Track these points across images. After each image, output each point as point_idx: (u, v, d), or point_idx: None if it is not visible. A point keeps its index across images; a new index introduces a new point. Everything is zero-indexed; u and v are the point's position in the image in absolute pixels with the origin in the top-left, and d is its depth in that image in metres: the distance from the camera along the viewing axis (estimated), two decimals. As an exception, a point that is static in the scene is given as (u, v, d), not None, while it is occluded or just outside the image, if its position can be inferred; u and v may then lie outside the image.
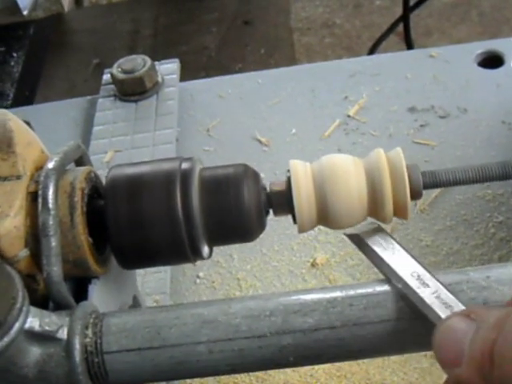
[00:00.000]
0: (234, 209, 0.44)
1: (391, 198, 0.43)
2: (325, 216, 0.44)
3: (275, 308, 0.39)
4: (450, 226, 0.70)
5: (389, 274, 0.41)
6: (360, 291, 0.39)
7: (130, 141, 0.80)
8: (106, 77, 0.87)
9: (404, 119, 0.81)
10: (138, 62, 0.83)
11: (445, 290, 0.38)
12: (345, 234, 0.46)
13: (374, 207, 0.44)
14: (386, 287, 0.40)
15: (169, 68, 0.88)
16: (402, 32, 2.20)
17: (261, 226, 0.45)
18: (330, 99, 0.85)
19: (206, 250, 0.45)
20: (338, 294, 0.40)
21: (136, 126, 0.81)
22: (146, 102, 0.84)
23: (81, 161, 0.49)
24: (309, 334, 0.39)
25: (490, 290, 0.39)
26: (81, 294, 0.46)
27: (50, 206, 0.42)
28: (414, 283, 0.39)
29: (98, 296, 0.46)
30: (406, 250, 0.42)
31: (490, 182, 0.54)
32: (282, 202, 0.45)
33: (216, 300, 0.41)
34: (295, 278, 0.69)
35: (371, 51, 1.35)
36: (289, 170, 0.45)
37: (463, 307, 0.37)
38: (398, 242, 0.43)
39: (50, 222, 0.42)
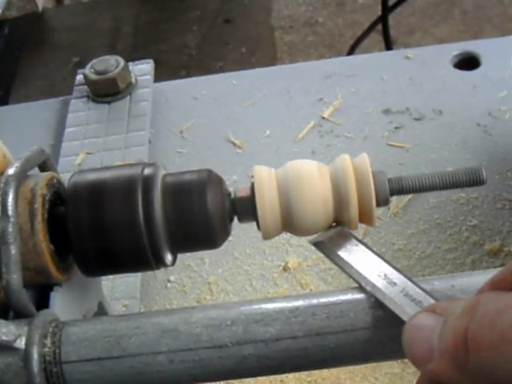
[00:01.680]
0: (197, 216, 0.43)
1: (356, 204, 0.43)
2: (289, 223, 0.44)
3: (236, 317, 0.39)
4: (423, 230, 0.70)
5: (356, 278, 0.40)
6: (323, 300, 0.39)
7: (102, 143, 0.79)
8: (79, 77, 0.86)
9: (379, 121, 0.81)
10: (111, 63, 0.82)
11: (412, 285, 0.38)
12: (310, 242, 0.45)
13: (340, 213, 0.44)
14: (349, 296, 0.39)
15: (143, 69, 0.87)
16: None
17: (225, 233, 0.45)
18: (305, 100, 0.85)
19: (169, 257, 0.44)
20: (300, 303, 0.39)
21: (108, 128, 0.81)
22: (118, 104, 0.83)
23: (44, 166, 0.48)
24: (270, 343, 0.38)
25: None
26: (43, 301, 0.45)
27: (10, 213, 0.41)
28: (381, 283, 0.39)
29: (61, 304, 0.45)
30: (372, 250, 0.42)
31: (462, 187, 0.54)
32: (247, 208, 0.44)
33: (177, 309, 0.40)
34: (267, 282, 0.68)
35: (351, 51, 1.34)
36: (253, 176, 0.44)
37: (433, 300, 0.37)
38: (363, 243, 0.43)
39: (10, 230, 0.41)
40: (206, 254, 0.70)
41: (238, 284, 0.68)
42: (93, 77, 0.82)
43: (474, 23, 2.72)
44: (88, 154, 0.78)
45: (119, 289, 0.65)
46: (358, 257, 0.42)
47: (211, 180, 0.44)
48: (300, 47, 2.84)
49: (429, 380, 0.33)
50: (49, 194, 0.44)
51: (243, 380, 0.60)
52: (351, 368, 0.61)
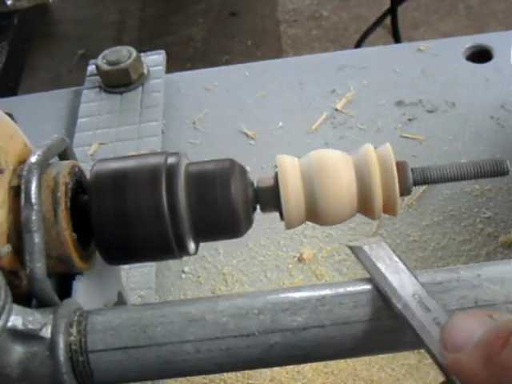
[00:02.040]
0: (221, 205, 0.43)
1: (381, 195, 0.43)
2: (313, 213, 0.44)
3: (263, 306, 0.39)
4: (437, 222, 0.70)
5: (389, 293, 0.39)
6: (349, 289, 0.39)
7: (114, 133, 0.79)
8: (91, 68, 0.86)
9: (392, 113, 0.81)
10: (124, 54, 0.82)
11: (446, 316, 0.36)
12: (348, 246, 0.44)
13: (363, 203, 0.44)
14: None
15: (154, 59, 0.87)
16: (389, 25, 2.19)
17: (248, 223, 0.45)
18: (318, 92, 0.85)
19: (192, 245, 0.44)
20: (327, 291, 0.39)
21: (121, 118, 0.80)
22: (131, 94, 0.83)
23: (65, 155, 0.48)
24: (297, 332, 0.38)
25: (480, 289, 0.38)
26: (64, 290, 0.45)
27: (33, 201, 0.41)
28: (414, 305, 0.37)
29: (83, 293, 0.45)
30: (410, 270, 0.40)
31: (479, 178, 0.54)
32: (270, 198, 0.44)
33: (203, 298, 0.40)
34: (282, 273, 0.68)
35: (358, 44, 1.34)
36: (276, 166, 0.44)
37: None
38: (402, 261, 0.41)
39: (33, 218, 0.41)
40: (220, 245, 0.70)
41: (253, 275, 0.68)
42: (105, 67, 0.82)
43: (478, 18, 2.72)
44: (101, 144, 0.78)
45: (134, 279, 0.65)
46: (395, 272, 0.40)
47: (234, 169, 0.44)
48: (304, 41, 2.84)
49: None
50: (71, 182, 0.44)
51: (259, 371, 0.60)
52: (367, 359, 0.61)
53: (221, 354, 0.38)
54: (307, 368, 0.60)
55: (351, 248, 0.43)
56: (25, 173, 0.42)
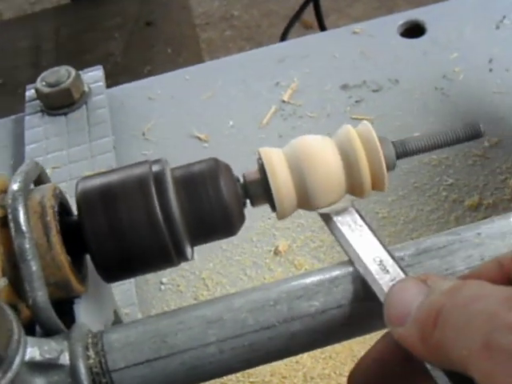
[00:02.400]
0: (215, 205, 0.43)
1: (368, 172, 0.43)
2: (305, 199, 0.44)
3: (278, 296, 0.39)
4: (402, 196, 0.71)
5: (352, 257, 0.40)
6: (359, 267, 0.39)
7: (66, 155, 0.77)
8: (30, 93, 0.84)
9: (338, 97, 0.82)
10: (62, 74, 0.81)
11: (403, 276, 0.38)
12: (318, 213, 0.45)
13: (352, 183, 0.44)
14: (383, 259, 0.40)
15: (93, 76, 0.86)
16: (305, 21, 2.22)
17: (241, 219, 0.45)
18: (262, 86, 0.85)
19: (189, 250, 0.44)
20: (337, 272, 0.39)
21: (70, 140, 0.79)
22: (75, 114, 0.82)
23: (40, 179, 0.47)
24: (317, 316, 0.38)
25: (484, 246, 0.39)
26: (61, 316, 0.44)
27: (24, 228, 0.40)
28: (374, 268, 0.39)
29: (84, 315, 0.44)
30: (375, 233, 0.42)
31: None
32: (259, 191, 0.44)
33: (215, 298, 0.40)
34: (260, 268, 0.68)
35: (283, 38, 1.35)
36: (260, 158, 0.44)
37: None
38: (367, 224, 0.43)
39: (27, 246, 0.40)
40: (194, 250, 0.69)
41: (232, 275, 0.68)
42: (45, 90, 0.80)
43: (386, -1, 2.78)
44: (54, 168, 0.76)
45: (116, 297, 0.63)
46: (359, 237, 0.42)
47: (220, 168, 0.44)
48: (219, 43, 2.84)
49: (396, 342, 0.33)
50: (56, 205, 0.43)
51: (259, 367, 0.60)
52: (361, 339, 0.61)
53: (244, 351, 0.38)
54: (305, 357, 0.61)
55: (321, 215, 0.44)
56: (10, 201, 0.41)
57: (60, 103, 0.81)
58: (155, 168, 0.43)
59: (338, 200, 0.45)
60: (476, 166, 0.72)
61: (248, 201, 0.45)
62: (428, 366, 0.32)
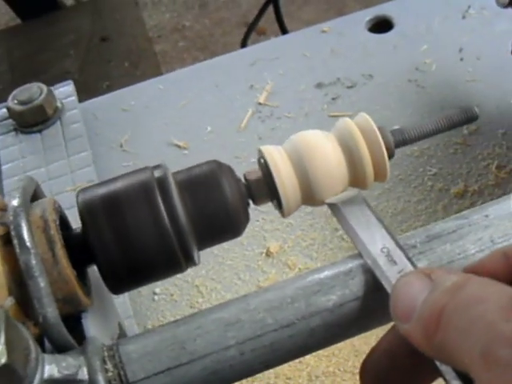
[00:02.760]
0: (220, 206, 0.42)
1: (371, 164, 0.43)
2: (309, 195, 0.44)
3: (295, 293, 0.38)
4: (388, 189, 0.72)
5: (360, 248, 0.40)
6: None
7: (45, 172, 0.76)
8: (1, 112, 0.82)
9: (314, 96, 0.82)
10: (35, 91, 0.79)
11: (411, 268, 0.38)
12: (326, 203, 0.45)
13: (355, 175, 0.44)
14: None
15: (65, 91, 0.84)
16: (260, 29, 2.22)
17: (246, 219, 0.44)
18: (237, 90, 0.85)
19: (197, 254, 0.43)
20: (350, 265, 0.39)
21: (47, 156, 0.77)
22: (50, 131, 0.80)
23: (34, 194, 0.46)
24: (336, 310, 0.38)
25: (493, 228, 0.40)
26: (69, 332, 0.43)
27: (28, 244, 0.39)
28: (382, 260, 0.38)
29: (93, 329, 0.43)
30: (382, 223, 0.41)
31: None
32: (263, 189, 0.44)
33: (230, 301, 0.39)
34: (253, 271, 0.68)
35: (243, 43, 1.35)
36: (261, 157, 0.44)
37: None
38: (375, 214, 0.42)
39: (33, 262, 0.39)
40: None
41: (226, 280, 0.68)
42: (18, 108, 0.79)
43: (334, 0, 2.81)
44: (34, 186, 0.75)
45: (111, 312, 0.63)
46: (367, 228, 0.41)
47: (222, 169, 0.43)
48: (173, 54, 2.84)
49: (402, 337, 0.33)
50: (57, 219, 0.42)
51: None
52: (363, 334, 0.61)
53: (265, 351, 0.38)
54: (308, 356, 0.60)
55: (328, 205, 0.44)
56: (11, 218, 0.40)
57: (34, 120, 0.80)
58: (157, 174, 0.43)
59: (341, 192, 0.45)
60: (458, 154, 0.73)
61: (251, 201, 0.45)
62: (436, 362, 0.32)
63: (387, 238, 0.40)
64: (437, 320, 0.30)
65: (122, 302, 0.64)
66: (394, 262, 0.38)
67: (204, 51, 2.78)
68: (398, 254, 0.39)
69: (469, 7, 0.88)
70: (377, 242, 0.40)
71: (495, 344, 0.27)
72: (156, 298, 0.67)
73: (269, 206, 0.45)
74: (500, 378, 0.26)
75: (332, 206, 0.44)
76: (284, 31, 1.27)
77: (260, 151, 0.44)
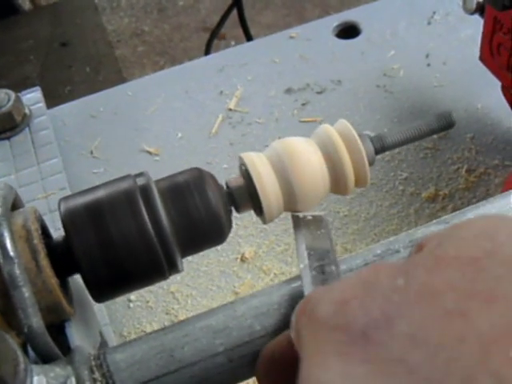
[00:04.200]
0: (204, 213, 0.42)
1: (352, 170, 0.44)
2: (292, 202, 0.44)
3: (281, 300, 0.39)
4: (360, 193, 0.72)
5: (300, 261, 0.40)
6: (358, 261, 0.40)
7: (15, 180, 0.75)
8: (-32, 119, 0.81)
9: (284, 102, 0.83)
10: (2, 97, 0.78)
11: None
12: (291, 215, 0.45)
13: (336, 182, 0.45)
14: (379, 253, 0.40)
15: (33, 98, 0.84)
16: (220, 34, 2.22)
17: (229, 226, 0.44)
18: (206, 96, 0.85)
19: (180, 261, 0.43)
20: (333, 267, 0.40)
21: (17, 164, 0.76)
22: (19, 137, 0.79)
23: (14, 203, 0.46)
24: (323, 316, 0.38)
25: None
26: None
27: (12, 254, 0.39)
28: (310, 276, 0.38)
29: (77, 338, 0.43)
30: (331, 242, 0.41)
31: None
32: (245, 196, 0.44)
33: (216, 308, 0.39)
34: (229, 277, 0.68)
35: (207, 51, 1.35)
36: (243, 165, 0.44)
37: None
38: (328, 234, 0.42)
39: (17, 272, 0.38)
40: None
41: (201, 286, 0.68)
42: (-15, 115, 0.78)
43: (294, 5, 2.82)
44: (4, 194, 0.74)
45: (87, 320, 0.62)
46: (313, 243, 0.41)
47: (205, 176, 0.44)
48: (132, 59, 2.82)
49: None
50: (39, 228, 0.42)
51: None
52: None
53: (254, 358, 0.38)
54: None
55: (292, 216, 0.44)
56: (-7, 228, 0.39)
57: (2, 127, 0.79)
58: (140, 182, 0.43)
59: (322, 199, 0.45)
60: (428, 159, 0.74)
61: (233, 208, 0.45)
62: None
63: (329, 257, 0.40)
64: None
65: (98, 309, 0.63)
66: (326, 281, 0.38)
67: (164, 56, 2.78)
68: (335, 276, 0.38)
69: (434, 13, 0.89)
70: (318, 257, 0.40)
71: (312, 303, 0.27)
72: (131, 305, 0.67)
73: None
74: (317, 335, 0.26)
75: (293, 218, 0.44)
76: (248, 36, 1.27)
77: (241, 158, 0.45)
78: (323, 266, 0.39)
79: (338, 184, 0.45)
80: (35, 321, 0.38)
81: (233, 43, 2.51)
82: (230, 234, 0.70)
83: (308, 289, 0.37)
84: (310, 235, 0.43)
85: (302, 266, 0.39)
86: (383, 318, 0.24)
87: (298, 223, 0.44)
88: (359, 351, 0.24)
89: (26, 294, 0.38)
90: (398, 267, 0.26)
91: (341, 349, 0.24)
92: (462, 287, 0.24)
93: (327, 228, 0.43)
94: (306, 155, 0.44)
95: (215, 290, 0.67)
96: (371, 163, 0.46)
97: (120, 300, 0.67)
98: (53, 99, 1.49)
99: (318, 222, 0.44)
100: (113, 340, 0.62)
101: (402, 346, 0.23)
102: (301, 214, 0.45)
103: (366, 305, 0.25)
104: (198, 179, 0.43)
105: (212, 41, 1.38)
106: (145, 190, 0.42)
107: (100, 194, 0.42)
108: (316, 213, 0.45)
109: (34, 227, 0.41)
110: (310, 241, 0.42)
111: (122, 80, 1.83)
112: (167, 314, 0.66)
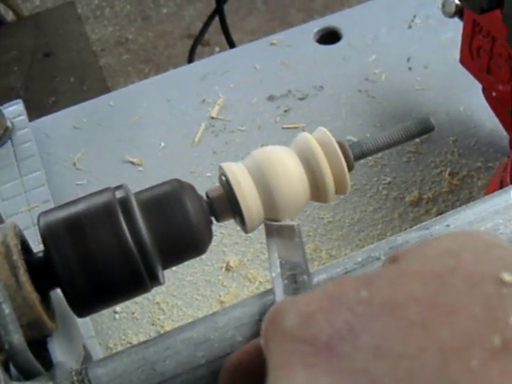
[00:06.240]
0: (184, 225, 0.42)
1: (332, 178, 0.44)
2: (272, 211, 0.44)
3: (263, 310, 0.38)
4: (344, 199, 0.72)
5: (271, 270, 0.40)
6: (337, 269, 0.40)
7: (-3, 193, 0.75)
8: (-51, 133, 0.80)
9: (266, 109, 0.83)
10: (-17, 111, 0.78)
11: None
12: (264, 223, 0.45)
13: (316, 190, 0.45)
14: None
15: (14, 110, 0.83)
16: (205, 41, 2.22)
17: (210, 237, 0.44)
18: (188, 105, 0.85)
19: (161, 274, 0.43)
20: (323, 276, 0.40)
21: (0, 177, 0.76)
22: (1, 151, 0.79)
23: (-7, 218, 0.45)
24: (305, 325, 0.38)
25: (454, 237, 0.40)
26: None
27: (-10, 271, 0.38)
28: (282, 285, 0.38)
29: (60, 353, 0.42)
30: (303, 251, 0.42)
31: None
32: (225, 206, 0.44)
33: (199, 319, 0.39)
34: (214, 286, 0.68)
35: (190, 58, 1.34)
36: (223, 174, 0.44)
37: None
38: (300, 242, 0.43)
39: (-4, 289, 0.38)
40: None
41: (187, 296, 0.67)
42: (-33, 129, 0.77)
43: (278, 10, 2.83)
44: (-14, 208, 0.73)
45: (72, 333, 0.62)
46: (286, 252, 0.41)
47: (184, 187, 0.43)
48: (117, 68, 2.82)
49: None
50: (19, 243, 0.41)
51: None
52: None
53: (236, 369, 0.38)
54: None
55: (265, 225, 0.45)
56: (-29, 245, 0.39)
57: (-16, 141, 0.78)
58: (119, 194, 0.42)
59: (303, 208, 0.45)
60: (411, 163, 0.74)
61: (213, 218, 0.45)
62: None
63: (300, 266, 0.40)
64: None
65: (83, 322, 0.63)
66: (297, 290, 0.38)
67: (148, 64, 2.77)
68: (306, 285, 0.38)
69: (414, 17, 0.90)
70: (289, 267, 0.40)
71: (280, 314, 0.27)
72: (117, 316, 0.67)
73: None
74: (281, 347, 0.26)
75: (266, 226, 0.44)
76: (230, 42, 1.27)
77: (221, 168, 0.45)
78: (295, 275, 0.39)
79: (318, 192, 0.45)
80: (16, 337, 0.38)
81: (217, 49, 2.51)
82: (215, 243, 0.71)
83: (279, 297, 0.37)
84: (282, 244, 0.43)
85: (274, 274, 0.39)
86: (347, 330, 0.25)
87: (270, 231, 0.44)
88: (324, 362, 0.24)
89: (7, 311, 0.38)
90: (362, 280, 0.27)
91: (306, 360, 0.24)
92: (424, 299, 0.24)
93: (300, 237, 0.44)
94: (284, 163, 0.43)
95: (200, 299, 0.67)
96: (350, 169, 0.46)
97: (105, 312, 0.67)
98: (37, 110, 1.49)
99: (290, 231, 0.44)
100: (98, 353, 0.62)
101: (365, 357, 0.23)
102: (274, 223, 0.45)
103: (331, 317, 0.25)
104: (177, 190, 0.43)
105: (195, 48, 1.38)
106: (124, 203, 0.42)
107: (79, 207, 0.42)
108: (289, 222, 0.45)
109: (13, 243, 0.41)
110: (283, 250, 0.42)
111: (107, 89, 1.82)
112: (153, 324, 0.65)
